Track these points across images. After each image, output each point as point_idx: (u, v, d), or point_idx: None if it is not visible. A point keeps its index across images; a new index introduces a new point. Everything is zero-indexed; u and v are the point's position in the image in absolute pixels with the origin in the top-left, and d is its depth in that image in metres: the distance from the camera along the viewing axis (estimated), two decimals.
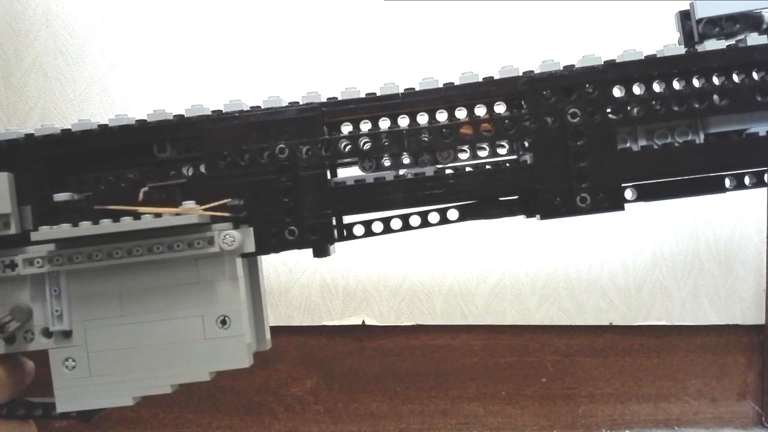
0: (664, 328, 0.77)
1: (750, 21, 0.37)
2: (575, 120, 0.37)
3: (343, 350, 0.78)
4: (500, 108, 0.38)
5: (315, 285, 0.76)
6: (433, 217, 0.39)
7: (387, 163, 0.39)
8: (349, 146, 0.38)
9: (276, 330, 0.78)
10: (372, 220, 0.40)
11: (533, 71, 0.38)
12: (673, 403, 0.78)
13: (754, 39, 0.36)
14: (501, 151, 0.39)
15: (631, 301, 0.76)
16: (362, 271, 0.76)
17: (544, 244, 0.75)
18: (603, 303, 0.76)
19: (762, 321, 0.76)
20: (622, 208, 0.37)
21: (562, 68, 0.37)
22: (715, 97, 0.37)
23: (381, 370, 0.78)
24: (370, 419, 0.79)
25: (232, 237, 0.37)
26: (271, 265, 0.76)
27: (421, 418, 0.78)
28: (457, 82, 0.38)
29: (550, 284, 0.76)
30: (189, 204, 0.37)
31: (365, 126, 0.39)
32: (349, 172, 0.41)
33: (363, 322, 0.77)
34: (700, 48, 0.37)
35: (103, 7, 0.75)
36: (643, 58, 0.37)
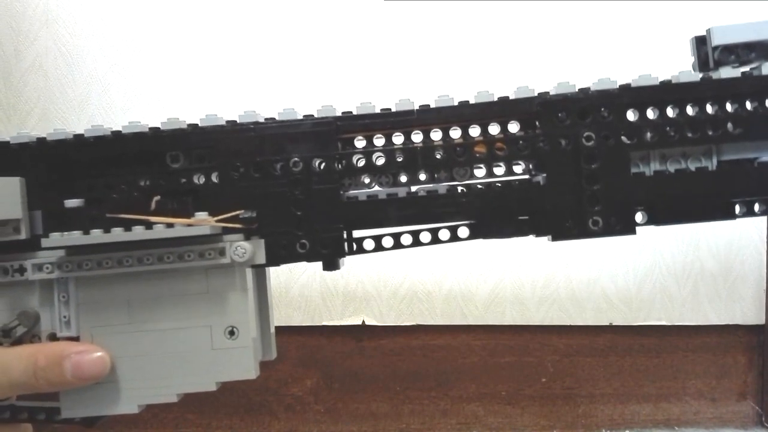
0: (664, 328, 0.77)
1: (766, 50, 0.37)
2: (589, 143, 0.37)
3: (343, 350, 0.78)
4: (514, 127, 0.38)
5: (315, 285, 0.76)
6: (444, 234, 0.39)
7: (403, 179, 0.38)
8: (363, 161, 0.38)
9: (276, 330, 0.78)
10: (382, 235, 0.40)
11: (548, 92, 0.37)
12: (673, 403, 0.78)
13: None
14: (517, 169, 0.39)
15: (631, 301, 0.76)
16: (362, 272, 0.76)
17: (544, 244, 0.75)
18: (603, 303, 0.76)
19: (762, 321, 0.76)
20: (634, 232, 0.37)
21: (577, 90, 0.37)
22: (729, 124, 0.37)
23: (381, 370, 0.78)
24: (370, 419, 0.79)
25: (243, 249, 0.37)
26: None
27: (421, 418, 0.79)
28: (472, 101, 0.37)
29: (550, 284, 0.76)
30: (201, 215, 0.37)
31: (379, 141, 0.38)
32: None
33: (363, 322, 0.77)
34: (714, 75, 0.37)
35: (103, 7, 0.75)
36: (659, 83, 0.37)
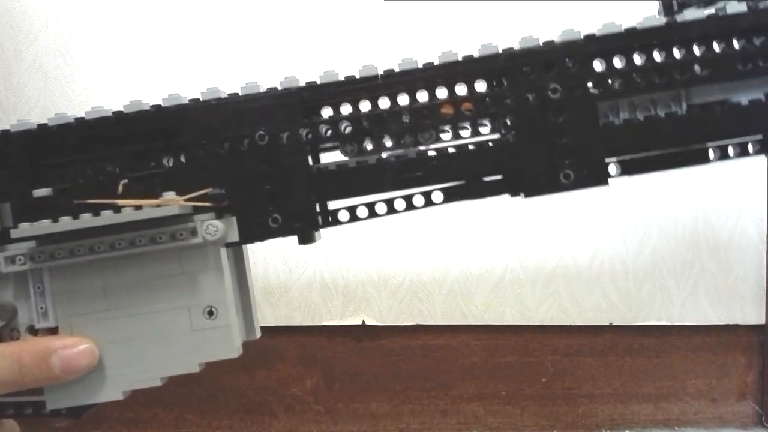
0: (664, 328, 0.77)
1: None
2: (556, 95, 0.36)
3: (343, 350, 0.78)
4: (481, 86, 0.38)
5: (315, 285, 0.76)
6: (418, 200, 0.39)
7: (369, 146, 0.38)
8: (330, 131, 0.38)
9: (276, 330, 0.78)
10: (357, 206, 0.39)
11: (513, 48, 0.37)
12: (673, 403, 0.78)
13: (733, 6, 0.36)
14: (483, 130, 0.39)
15: (631, 301, 0.76)
16: (362, 271, 0.76)
17: (544, 243, 0.75)
18: (603, 303, 0.76)
19: (762, 321, 0.76)
20: (606, 183, 0.37)
21: (542, 44, 0.37)
22: (697, 67, 0.36)
23: (381, 370, 0.78)
24: (370, 419, 0.79)
25: (214, 227, 0.37)
26: (271, 265, 0.76)
27: (421, 418, 0.78)
28: (436, 62, 0.37)
29: (550, 284, 0.76)
30: (169, 195, 0.36)
31: (345, 109, 0.38)
32: (332, 158, 0.41)
33: (363, 322, 0.77)
34: (680, 18, 0.37)
35: (103, 7, 0.75)
36: (623, 30, 0.36)
